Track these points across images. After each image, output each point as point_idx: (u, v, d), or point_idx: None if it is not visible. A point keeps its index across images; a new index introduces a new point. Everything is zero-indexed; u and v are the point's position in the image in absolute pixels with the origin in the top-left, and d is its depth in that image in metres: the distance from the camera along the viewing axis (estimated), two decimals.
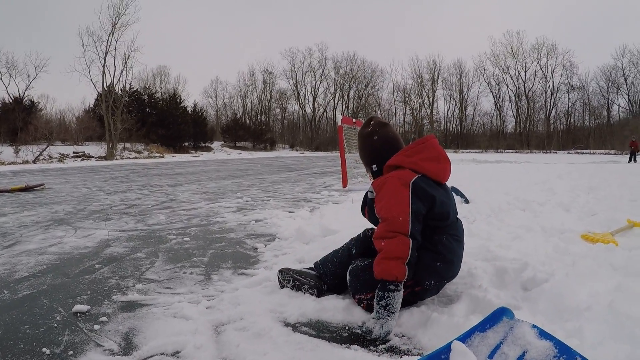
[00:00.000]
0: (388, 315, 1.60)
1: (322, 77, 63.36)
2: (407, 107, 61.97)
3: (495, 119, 61.46)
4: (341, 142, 7.78)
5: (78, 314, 1.89)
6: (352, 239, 2.18)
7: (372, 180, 2.05)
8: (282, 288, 2.11)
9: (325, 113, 63.86)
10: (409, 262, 1.67)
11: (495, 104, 60.16)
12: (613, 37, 72.05)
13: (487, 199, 4.97)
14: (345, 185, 7.52)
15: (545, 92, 57.18)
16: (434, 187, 1.82)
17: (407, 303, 1.80)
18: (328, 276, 2.05)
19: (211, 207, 5.30)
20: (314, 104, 63.90)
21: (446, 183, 1.98)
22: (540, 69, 56.88)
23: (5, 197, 6.87)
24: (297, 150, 54.49)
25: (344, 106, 62.06)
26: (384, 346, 1.55)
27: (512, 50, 57.83)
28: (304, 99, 64.28)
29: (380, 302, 1.62)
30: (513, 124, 60.19)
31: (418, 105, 61.81)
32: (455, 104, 61.78)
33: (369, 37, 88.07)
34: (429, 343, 1.52)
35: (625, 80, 52.30)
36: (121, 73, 36.07)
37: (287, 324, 1.75)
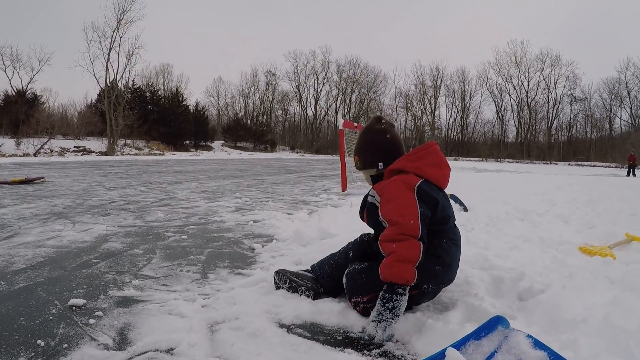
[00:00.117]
0: (392, 319, 1.60)
1: (325, 80, 63.49)
2: (409, 113, 62.04)
3: (496, 128, 61.52)
4: (342, 146, 7.79)
5: (74, 308, 1.89)
6: (349, 243, 2.18)
7: (372, 184, 2.05)
8: (278, 289, 2.11)
9: (326, 116, 63.94)
10: (417, 265, 1.67)
11: (497, 113, 60.23)
12: (617, 49, 72.13)
13: (486, 207, 4.97)
14: (344, 189, 7.52)
15: (548, 103, 57.25)
16: (436, 192, 1.85)
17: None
18: (325, 278, 2.06)
19: (210, 206, 5.31)
20: (315, 107, 63.99)
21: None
22: (544, 79, 56.97)
23: (5, 189, 6.88)
24: (297, 152, 54.53)
25: (346, 110, 62.11)
26: (377, 351, 1.55)
27: (515, 60, 57.93)
28: (306, 101, 64.42)
29: (387, 305, 1.61)
30: (514, 134, 60.23)
31: (420, 111, 61.88)
32: (457, 111, 61.85)
33: (372, 42, 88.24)
34: (423, 349, 1.52)
35: (629, 93, 52.37)
36: (124, 69, 36.21)
37: (282, 325, 1.75)
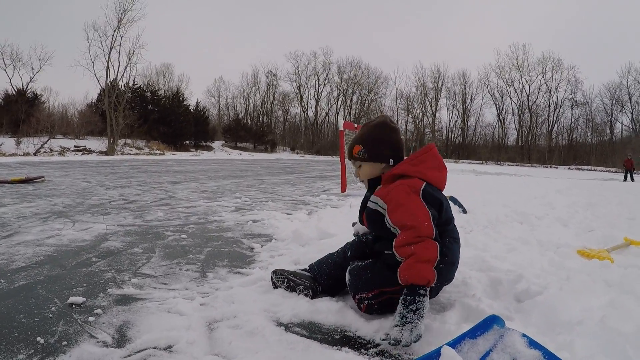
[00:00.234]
0: (418, 320, 1.56)
1: (326, 81, 63.50)
2: (410, 115, 62.05)
3: (497, 130, 61.54)
4: (342, 147, 7.80)
5: (73, 306, 1.90)
6: (347, 243, 2.20)
7: (368, 187, 2.06)
8: (276, 289, 2.12)
9: (327, 117, 63.96)
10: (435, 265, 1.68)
11: (498, 116, 60.24)
12: (619, 54, 72.33)
13: (485, 210, 4.98)
14: (344, 190, 7.53)
15: (549, 107, 57.29)
16: (438, 193, 1.88)
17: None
18: (322, 277, 2.07)
19: (209, 205, 5.32)
20: (316, 108, 64.00)
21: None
22: (545, 83, 57.02)
23: (5, 188, 6.89)
24: (297, 153, 54.53)
25: (347, 111, 62.16)
26: (374, 350, 1.56)
27: (517, 63, 57.98)
28: (307, 102, 64.43)
29: (410, 307, 1.58)
30: (515, 137, 60.26)
31: (420, 113, 61.92)
32: (458, 114, 61.89)
33: (373, 44, 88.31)
34: (419, 349, 1.53)
35: (630, 98, 52.40)
36: (125, 69, 36.20)
37: (280, 324, 1.76)
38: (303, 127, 64.98)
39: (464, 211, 4.82)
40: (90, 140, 34.11)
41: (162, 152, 35.55)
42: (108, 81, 34.77)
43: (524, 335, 1.16)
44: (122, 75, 36.60)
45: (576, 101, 56.03)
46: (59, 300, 1.95)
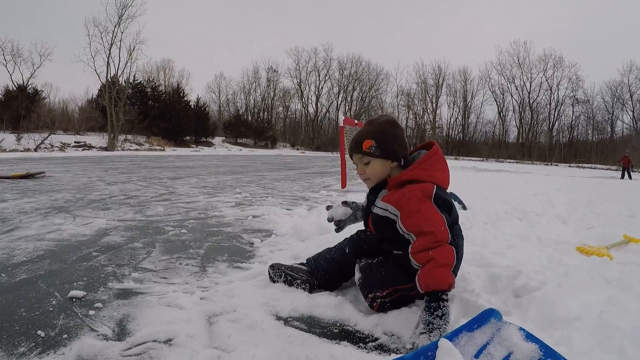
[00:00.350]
0: (445, 325, 1.56)
1: (327, 78, 63.46)
2: (410, 112, 62.03)
3: (498, 128, 61.55)
4: (342, 143, 7.80)
5: (74, 299, 1.91)
6: (345, 239, 2.19)
7: (371, 188, 2.00)
8: (274, 283, 2.13)
9: (327, 113, 63.93)
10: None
11: (499, 113, 60.21)
12: (620, 52, 72.20)
13: (485, 206, 4.98)
14: (344, 186, 7.54)
15: (550, 104, 57.22)
16: (447, 194, 1.87)
17: (408, 301, 1.84)
18: (319, 271, 2.07)
19: (210, 201, 5.32)
20: (316, 104, 63.98)
21: None
22: (546, 80, 56.95)
23: (5, 183, 6.89)
24: (298, 149, 54.51)
25: (347, 107, 62.13)
26: (373, 344, 1.57)
27: (518, 60, 57.89)
28: (307, 98, 64.41)
29: (435, 313, 1.57)
30: (515, 134, 60.24)
31: (421, 110, 61.90)
32: (459, 110, 61.86)
33: (375, 40, 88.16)
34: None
35: (631, 96, 52.35)
36: (125, 65, 36.18)
37: (279, 318, 1.77)
38: (303, 123, 64.96)
39: (464, 207, 4.83)
40: (91, 136, 34.11)
41: (162, 148, 35.53)
42: (108, 77, 34.75)
43: (520, 328, 1.17)
44: (123, 71, 36.64)
45: (577, 99, 56.02)
46: (59, 294, 1.96)
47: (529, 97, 57.84)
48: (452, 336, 1.16)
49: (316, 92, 64.01)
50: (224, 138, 52.29)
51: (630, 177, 22.41)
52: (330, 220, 2.26)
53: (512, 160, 48.45)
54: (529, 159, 51.10)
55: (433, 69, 62.46)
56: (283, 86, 64.11)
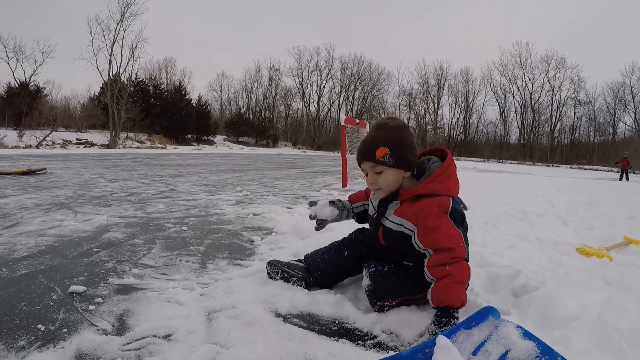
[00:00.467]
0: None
1: (328, 77, 63.54)
2: (412, 112, 62.01)
3: (499, 128, 61.54)
4: (343, 142, 7.80)
5: (74, 294, 1.91)
6: (343, 239, 2.17)
7: (381, 200, 1.90)
8: (274, 280, 2.13)
9: (329, 113, 63.98)
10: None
11: (501, 114, 60.20)
12: (623, 53, 72.08)
13: (486, 207, 4.98)
14: (345, 185, 7.54)
15: (552, 105, 57.26)
16: (459, 205, 1.82)
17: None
18: (316, 271, 2.06)
19: (210, 199, 5.33)
20: (318, 103, 64.03)
21: None
22: (548, 81, 56.96)
23: (7, 179, 6.90)
24: (299, 148, 54.54)
25: (349, 107, 62.15)
26: (371, 341, 1.58)
27: (520, 61, 57.85)
28: (309, 97, 64.47)
29: (444, 328, 1.54)
30: (517, 135, 60.21)
31: (423, 110, 61.88)
32: (461, 111, 61.91)
33: (377, 40, 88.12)
34: (415, 340, 1.55)
35: (633, 98, 52.33)
36: (127, 62, 36.27)
37: (278, 315, 1.78)
38: (305, 122, 64.99)
39: (465, 207, 4.82)
40: (92, 134, 34.14)
41: (163, 146, 35.55)
42: (110, 74, 34.81)
43: (518, 326, 1.17)
44: (125, 68, 36.68)
45: (579, 100, 56.04)
46: (60, 289, 1.97)
47: (530, 98, 57.86)
48: (450, 333, 1.17)
49: (318, 92, 64.12)
50: (225, 136, 52.32)
51: (627, 178, 22.35)
52: (312, 218, 2.14)
53: (513, 161, 48.45)
54: (530, 160, 51.09)
55: (435, 69, 62.60)
56: (285, 85, 64.28)
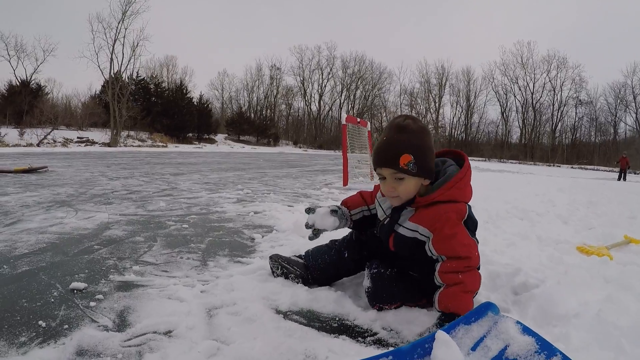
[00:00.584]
0: None
1: (330, 76, 63.56)
2: (413, 111, 61.93)
3: (500, 128, 61.50)
4: (344, 141, 7.80)
5: (75, 291, 1.91)
6: (344, 237, 2.13)
7: (394, 207, 1.83)
8: (276, 277, 2.14)
9: (330, 112, 64.01)
10: None
11: (502, 114, 60.17)
12: (624, 54, 71.97)
13: (487, 205, 4.98)
14: (345, 183, 7.54)
15: (553, 105, 57.23)
16: (471, 212, 1.79)
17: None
18: (316, 270, 2.05)
19: (211, 197, 5.34)
20: (319, 102, 64.02)
21: None
22: (549, 81, 56.93)
23: (8, 177, 6.91)
24: (300, 147, 54.53)
25: (350, 106, 62.18)
26: (371, 338, 1.58)
27: (522, 61, 57.80)
28: (310, 96, 64.50)
29: None
30: (518, 135, 60.18)
31: (424, 109, 61.82)
32: (462, 110, 61.88)
33: (378, 39, 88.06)
34: (415, 338, 1.55)
35: (635, 98, 52.28)
36: (129, 61, 36.48)
37: (278, 312, 1.78)
38: (306, 121, 65.01)
39: None
40: (94, 132, 34.17)
41: (164, 145, 35.58)
42: (112, 73, 34.87)
43: (517, 322, 1.17)
44: (126, 67, 36.77)
45: (580, 100, 56.00)
46: (60, 286, 1.97)
47: (532, 98, 57.84)
48: (449, 329, 1.17)
49: (319, 90, 64.14)
50: (226, 135, 52.36)
51: (624, 178, 22.29)
52: (309, 227, 2.00)
53: (514, 161, 48.43)
54: (531, 160, 51.07)
55: (436, 69, 62.61)
56: (286, 84, 64.31)
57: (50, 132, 28.06)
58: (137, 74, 41.34)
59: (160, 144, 35.82)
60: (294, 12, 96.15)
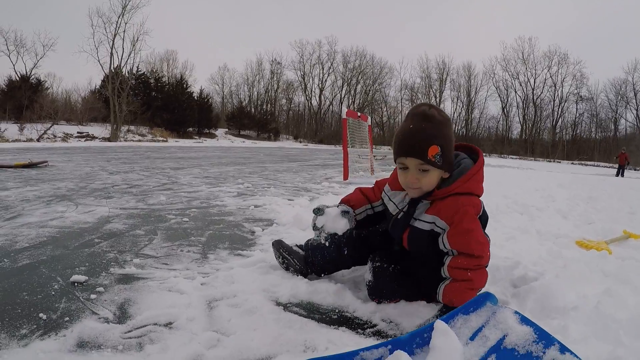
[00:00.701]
0: None
1: (330, 70, 63.33)
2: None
3: (501, 123, 61.40)
4: (345, 135, 7.80)
5: (76, 284, 1.92)
6: (344, 235, 2.04)
7: (411, 201, 1.77)
8: (275, 271, 2.14)
9: (331, 106, 63.84)
10: None
11: (503, 109, 60.04)
12: (625, 50, 71.80)
13: (486, 200, 4.91)
14: (346, 177, 7.55)
15: (554, 101, 57.10)
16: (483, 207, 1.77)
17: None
18: (315, 266, 2.04)
19: (212, 191, 5.34)
20: (320, 97, 63.85)
21: None
22: (550, 77, 56.78)
23: (8, 172, 6.91)
24: (300, 142, 54.45)
25: (351, 101, 62.04)
26: (371, 330, 1.59)
27: (523, 56, 57.64)
28: (311, 91, 64.30)
29: None
30: (519, 130, 60.10)
31: None
32: (462, 105, 61.73)
33: (379, 34, 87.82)
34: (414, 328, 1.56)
35: (635, 95, 52.17)
36: (129, 55, 36.30)
37: (278, 304, 1.79)
38: (307, 115, 64.88)
39: None
40: (94, 127, 34.13)
41: (165, 139, 35.52)
42: (112, 67, 34.77)
43: (516, 312, 1.18)
44: (126, 61, 36.75)
45: (581, 96, 55.83)
46: (61, 279, 1.98)
47: (532, 94, 57.68)
48: (448, 319, 1.18)
49: (320, 85, 63.93)
50: (226, 130, 52.28)
51: (622, 174, 22.25)
52: (317, 228, 1.83)
53: (515, 156, 48.38)
54: (531, 155, 51.02)
55: (437, 64, 62.41)
56: (287, 78, 64.10)
57: (50, 127, 28.02)
58: (137, 69, 41.26)
59: (161, 138, 35.77)
60: (294, 7, 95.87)
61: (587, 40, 75.69)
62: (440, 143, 1.59)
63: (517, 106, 59.47)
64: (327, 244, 1.95)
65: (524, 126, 59.24)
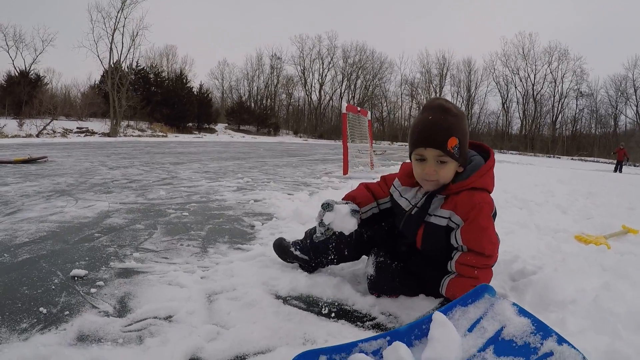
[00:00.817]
0: None
1: (330, 65, 63.16)
2: (414, 101, 61.80)
3: (501, 119, 61.33)
4: (344, 130, 7.80)
5: (76, 278, 1.93)
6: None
7: (425, 195, 1.74)
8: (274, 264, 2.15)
9: (331, 101, 63.71)
10: None
11: (503, 105, 59.95)
12: (625, 46, 71.66)
13: None
14: (345, 172, 7.55)
15: (554, 97, 57.00)
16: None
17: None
18: (317, 267, 2.05)
19: (211, 185, 5.35)
20: (320, 92, 63.70)
21: None
22: (551, 72, 56.64)
23: (8, 168, 6.91)
24: (300, 137, 54.42)
25: (351, 96, 61.94)
26: (370, 322, 1.60)
27: (523, 52, 57.50)
28: (311, 86, 64.15)
29: None
30: (519, 126, 60.03)
31: (425, 99, 61.57)
32: (462, 101, 61.55)
33: (379, 29, 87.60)
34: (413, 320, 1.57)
35: (635, 91, 52.09)
36: (128, 50, 36.24)
37: (278, 297, 1.80)
38: (307, 110, 64.76)
39: None
40: (93, 122, 34.05)
41: (164, 134, 35.48)
42: (111, 63, 34.68)
43: (514, 304, 1.19)
44: (126, 56, 36.58)
45: (581, 92, 55.72)
46: (61, 273, 1.98)
47: (533, 89, 57.58)
48: (446, 310, 1.18)
49: (320, 80, 63.80)
50: (226, 125, 52.22)
51: (620, 170, 22.18)
52: (323, 225, 1.71)
53: (514, 152, 48.33)
54: (531, 151, 51.00)
55: (437, 59, 62.32)
56: (286, 73, 63.94)
57: (50, 122, 27.97)
58: (137, 64, 41.15)
59: (160, 133, 35.72)
60: (295, 7, 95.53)
61: (588, 39, 75.63)
62: (459, 135, 1.59)
63: (517, 102, 59.44)
64: (329, 246, 1.91)
65: (524, 122, 59.19)
